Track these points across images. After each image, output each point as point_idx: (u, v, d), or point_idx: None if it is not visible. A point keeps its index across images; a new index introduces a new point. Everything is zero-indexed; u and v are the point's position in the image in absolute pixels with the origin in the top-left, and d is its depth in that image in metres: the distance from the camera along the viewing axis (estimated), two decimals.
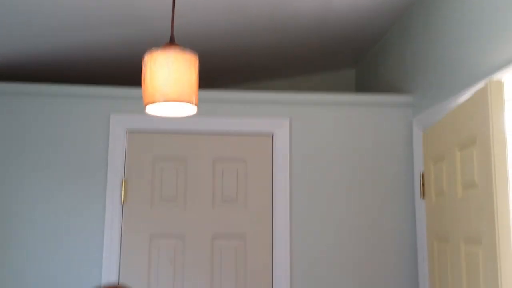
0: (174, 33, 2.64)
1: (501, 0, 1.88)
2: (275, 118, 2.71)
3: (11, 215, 2.52)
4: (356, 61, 3.76)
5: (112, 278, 2.50)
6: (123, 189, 2.57)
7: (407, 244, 2.67)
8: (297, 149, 2.71)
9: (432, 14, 2.48)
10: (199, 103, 2.68)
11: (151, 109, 1.68)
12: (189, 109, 1.71)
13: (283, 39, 2.99)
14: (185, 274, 2.56)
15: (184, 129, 2.65)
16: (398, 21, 2.95)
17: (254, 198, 2.65)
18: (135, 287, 2.53)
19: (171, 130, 2.65)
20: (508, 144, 1.89)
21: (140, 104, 2.66)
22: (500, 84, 1.84)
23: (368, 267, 2.64)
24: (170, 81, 1.57)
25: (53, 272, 2.50)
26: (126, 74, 3.27)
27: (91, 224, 2.54)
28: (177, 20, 2.51)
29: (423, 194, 2.56)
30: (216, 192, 2.64)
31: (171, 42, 1.62)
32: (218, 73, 3.56)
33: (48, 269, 2.49)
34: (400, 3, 2.69)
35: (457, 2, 2.22)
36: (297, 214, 2.65)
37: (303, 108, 2.75)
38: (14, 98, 2.61)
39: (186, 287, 2.55)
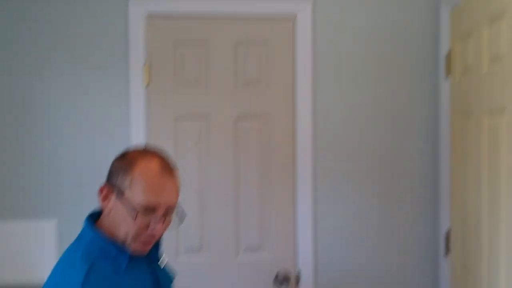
0: None
1: None
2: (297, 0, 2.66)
3: (38, 107, 2.58)
4: None
5: None
6: (145, 73, 2.60)
7: (429, 123, 2.69)
8: (319, 30, 2.67)
9: None
10: None
11: None
12: None
13: None
14: (210, 154, 2.65)
15: (205, 11, 2.62)
16: None
17: (277, 80, 2.67)
18: None
19: (191, 14, 2.62)
20: None
21: None
22: None
23: (390, 148, 2.70)
24: None
25: (82, 157, 2.60)
26: None
27: (116, 110, 2.60)
28: None
29: (448, 73, 2.55)
30: (238, 74, 2.65)
31: None
32: None
33: (77, 155, 2.59)
34: None
35: None
36: (319, 96, 2.67)
37: None
38: None
39: (212, 167, 2.65)
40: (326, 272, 2.68)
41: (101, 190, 1.46)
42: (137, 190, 1.39)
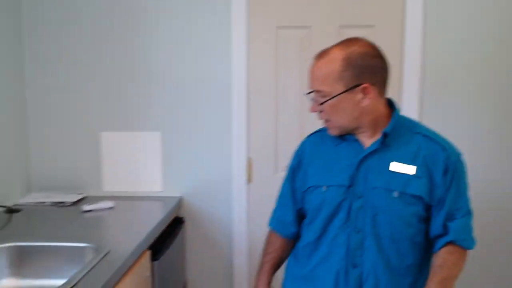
0: None
1: None
2: None
3: (144, 24, 2.58)
4: None
5: (241, 68, 2.55)
6: None
7: None
8: None
9: None
10: None
11: None
12: None
13: None
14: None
15: None
16: None
17: None
18: (263, 78, 2.59)
19: None
20: None
21: None
22: None
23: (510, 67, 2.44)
24: None
25: (183, 72, 2.60)
26: None
27: (218, 19, 2.53)
28: None
29: None
30: None
31: None
32: None
33: (179, 69, 2.58)
34: None
35: None
36: (431, 8, 2.43)
37: None
38: None
39: None
40: None
41: None
42: None
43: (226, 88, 2.57)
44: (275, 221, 1.78)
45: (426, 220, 1.56)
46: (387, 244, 1.53)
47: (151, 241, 2.10)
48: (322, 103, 1.54)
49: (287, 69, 2.56)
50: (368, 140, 1.58)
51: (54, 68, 2.63)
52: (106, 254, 1.79)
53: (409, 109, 2.49)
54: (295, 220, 1.73)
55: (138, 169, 2.65)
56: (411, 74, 2.48)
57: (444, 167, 1.54)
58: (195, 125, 2.62)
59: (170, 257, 2.33)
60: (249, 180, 2.65)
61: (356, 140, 1.59)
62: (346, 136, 1.60)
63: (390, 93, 2.50)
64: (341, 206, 1.56)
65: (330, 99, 1.52)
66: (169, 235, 2.38)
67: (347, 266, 1.56)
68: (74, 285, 1.54)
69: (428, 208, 1.55)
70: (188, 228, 2.67)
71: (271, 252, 1.77)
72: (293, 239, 1.75)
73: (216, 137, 2.61)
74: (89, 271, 1.64)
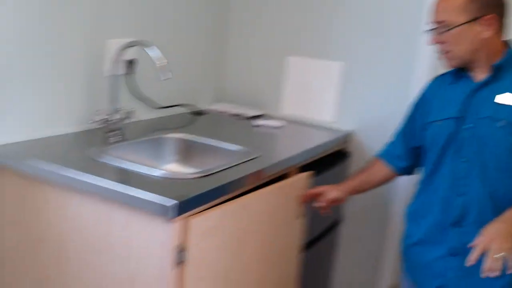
0: None
1: None
2: None
3: None
4: None
5: None
6: None
7: None
8: None
9: None
10: None
11: None
12: None
13: None
14: None
15: None
16: None
17: None
18: None
19: None
20: None
21: None
22: None
23: None
24: None
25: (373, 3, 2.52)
26: None
27: None
28: None
29: None
30: None
31: None
32: None
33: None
34: None
35: None
36: None
37: None
38: None
39: None
40: None
41: None
42: None
43: (416, 23, 2.39)
44: (384, 151, 1.95)
45: None
46: (493, 174, 1.58)
47: (304, 160, 2.15)
48: (444, 32, 1.59)
49: None
50: (481, 75, 1.64)
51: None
52: (256, 157, 1.90)
53: None
54: (403, 155, 1.87)
55: (315, 97, 2.68)
56: None
57: None
58: (378, 60, 2.53)
59: (326, 182, 2.34)
60: None
61: (471, 77, 1.66)
62: (463, 74, 1.68)
63: None
64: (451, 138, 1.64)
65: (452, 28, 1.58)
66: (330, 164, 2.39)
67: (452, 194, 1.63)
68: (216, 172, 1.69)
69: None
70: (353, 163, 2.64)
71: (367, 169, 1.97)
72: (394, 173, 1.92)
73: (397, 75, 2.49)
74: (234, 165, 1.78)
